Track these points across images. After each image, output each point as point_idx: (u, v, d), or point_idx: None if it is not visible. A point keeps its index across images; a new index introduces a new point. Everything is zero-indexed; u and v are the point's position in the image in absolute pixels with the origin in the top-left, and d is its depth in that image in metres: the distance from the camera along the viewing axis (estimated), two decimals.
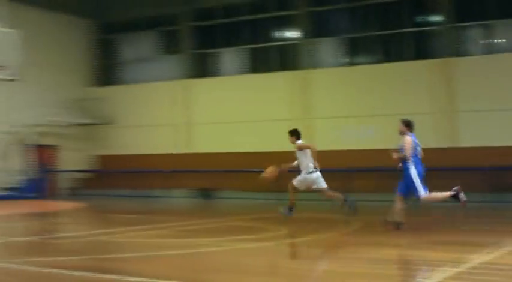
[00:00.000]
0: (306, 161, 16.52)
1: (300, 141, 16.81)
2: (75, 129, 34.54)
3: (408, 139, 13.99)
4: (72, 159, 33.96)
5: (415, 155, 13.93)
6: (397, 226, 13.88)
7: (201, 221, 18.23)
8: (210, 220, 18.85)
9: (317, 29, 31.19)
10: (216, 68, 33.81)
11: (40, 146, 32.39)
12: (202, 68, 33.99)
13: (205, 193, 29.22)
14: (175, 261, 10.57)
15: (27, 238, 14.64)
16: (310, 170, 16.51)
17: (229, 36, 33.34)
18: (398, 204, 13.98)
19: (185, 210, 22.98)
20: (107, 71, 36.93)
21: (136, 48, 36.19)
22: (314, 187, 16.70)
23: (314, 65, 30.88)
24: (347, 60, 30.74)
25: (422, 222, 16.89)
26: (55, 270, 9.28)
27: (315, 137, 28.90)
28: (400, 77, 28.85)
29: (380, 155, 27.46)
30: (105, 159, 35.16)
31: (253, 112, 31.41)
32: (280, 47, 32.05)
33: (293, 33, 32.21)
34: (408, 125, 14.21)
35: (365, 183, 26.30)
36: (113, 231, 15.12)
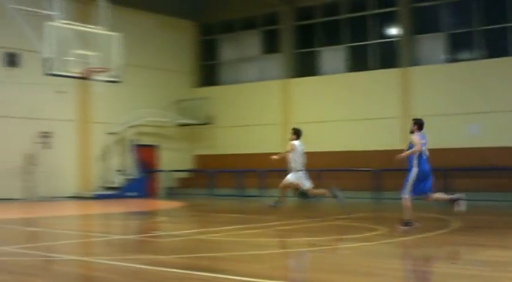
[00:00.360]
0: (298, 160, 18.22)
1: (296, 142, 18.36)
2: (175, 129, 35.06)
3: (415, 137, 14.07)
4: (172, 158, 34.50)
5: (421, 154, 14.04)
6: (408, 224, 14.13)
7: (299, 220, 18.15)
8: (309, 219, 18.74)
9: (418, 25, 30.68)
10: (315, 67, 33.66)
11: (141, 146, 33.00)
12: (302, 67, 33.94)
13: (303, 193, 29.07)
14: (276, 261, 10.53)
15: (128, 236, 14.89)
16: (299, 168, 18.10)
17: (329, 35, 33.17)
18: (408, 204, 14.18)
19: (283, 210, 22.85)
20: (207, 72, 37.41)
21: (237, 48, 36.54)
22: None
23: (415, 62, 30.36)
24: (449, 56, 30.01)
25: None
26: (155, 268, 9.39)
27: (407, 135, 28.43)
28: (504, 73, 28.04)
29: (484, 153, 27.16)
30: (204, 158, 35.57)
31: (352, 111, 31.18)
32: (381, 44, 31.64)
33: (393, 30, 31.78)
34: (418, 124, 14.46)
35: (467, 182, 25.68)
36: (213, 230, 15.20)
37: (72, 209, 23.80)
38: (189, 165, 35.87)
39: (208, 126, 35.29)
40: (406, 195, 14.15)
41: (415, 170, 14.01)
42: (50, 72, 21.36)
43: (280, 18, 34.45)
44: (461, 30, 29.71)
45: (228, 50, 37.01)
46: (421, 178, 14.10)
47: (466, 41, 29.79)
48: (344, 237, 13.41)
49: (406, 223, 14.14)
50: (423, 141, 14.18)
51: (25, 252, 11.31)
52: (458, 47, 30.05)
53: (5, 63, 28.82)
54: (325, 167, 28.99)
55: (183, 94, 35.79)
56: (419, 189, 14.21)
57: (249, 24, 35.85)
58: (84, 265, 10.16)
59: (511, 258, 10.64)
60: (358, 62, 32.12)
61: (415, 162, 14.03)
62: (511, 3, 28.44)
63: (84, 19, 26.34)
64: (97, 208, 24.28)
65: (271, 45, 35.17)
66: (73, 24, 22.48)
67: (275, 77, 34.43)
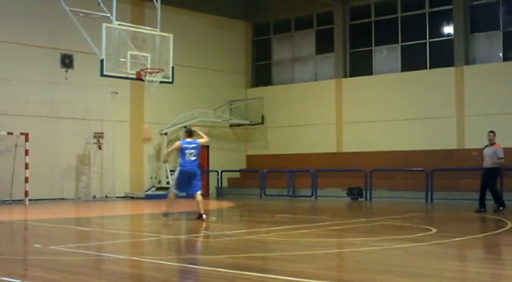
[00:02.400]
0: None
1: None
2: (227, 130, 35.20)
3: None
4: (224, 159, 34.62)
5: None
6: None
7: (351, 220, 18.06)
8: (360, 219, 18.65)
9: (474, 23, 30.25)
10: (369, 66, 33.41)
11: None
12: (356, 67, 33.75)
13: (354, 192, 28.95)
14: (328, 261, 10.47)
15: (179, 236, 14.93)
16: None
17: (383, 34, 32.91)
18: None
19: (334, 210, 22.80)
20: (260, 72, 37.49)
21: (290, 48, 36.51)
22: None
23: (470, 61, 29.95)
24: (505, 55, 29.52)
25: None
26: (205, 268, 9.44)
27: (465, 135, 28.22)
28: None
29: None
30: (255, 159, 35.63)
31: (406, 110, 30.88)
32: (435, 43, 31.24)
33: (449, 29, 31.33)
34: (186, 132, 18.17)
35: None
36: (264, 230, 15.21)
37: (123, 209, 24.03)
38: (240, 165, 35.97)
39: (261, 127, 35.33)
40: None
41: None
42: (105, 73, 21.60)
43: (334, 17, 34.30)
44: None
45: (281, 50, 37.01)
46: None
47: None
48: (395, 237, 13.27)
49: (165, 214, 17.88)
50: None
51: (77, 251, 11.45)
52: None
53: (60, 65, 29.24)
54: (377, 167, 28.78)
55: (235, 94, 35.93)
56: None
57: (302, 24, 35.80)
58: (134, 264, 10.23)
59: None
60: (412, 61, 31.78)
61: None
62: None
63: (138, 21, 26.70)
64: (148, 208, 24.46)
65: (324, 45, 35.04)
66: (127, 26, 22.71)
67: (328, 77, 34.33)
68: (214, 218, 19.35)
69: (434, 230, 14.44)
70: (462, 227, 15.93)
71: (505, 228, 14.88)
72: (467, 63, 29.84)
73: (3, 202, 26.37)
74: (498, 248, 12.29)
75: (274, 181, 32.08)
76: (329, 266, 9.86)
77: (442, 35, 31.38)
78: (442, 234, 13.73)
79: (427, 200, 26.31)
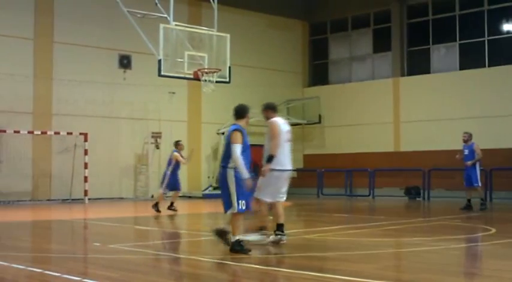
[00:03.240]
0: None
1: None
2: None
3: None
4: None
5: None
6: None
7: (408, 220, 17.90)
8: (418, 219, 18.48)
9: None
10: (427, 65, 33.07)
11: (251, 145, 33.12)
12: (414, 66, 33.46)
13: (412, 192, 28.70)
14: (385, 261, 10.43)
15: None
16: None
17: (441, 32, 32.54)
18: None
19: (392, 209, 22.64)
20: (317, 71, 37.45)
21: (347, 47, 36.38)
22: None
23: None
24: None
25: None
26: (263, 267, 9.52)
27: None
28: None
29: None
30: (312, 158, 35.55)
31: (463, 109, 30.49)
32: (495, 41, 30.77)
33: (507, 27, 30.86)
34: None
35: None
36: (321, 229, 15.20)
37: (181, 209, 24.16)
38: (298, 164, 35.90)
39: (318, 126, 35.23)
40: None
41: None
42: (162, 73, 21.79)
43: (391, 16, 34.05)
44: None
45: (338, 49, 36.89)
46: None
47: None
48: (454, 237, 13.13)
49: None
50: None
51: (135, 250, 11.58)
52: None
53: (119, 65, 29.64)
54: (435, 166, 28.47)
55: (292, 94, 35.89)
56: None
57: (359, 23, 35.65)
58: (191, 263, 10.31)
59: None
60: (471, 60, 31.36)
61: None
62: None
63: (195, 21, 26.86)
64: (206, 207, 24.61)
65: (382, 44, 34.81)
66: (184, 26, 22.87)
67: (386, 76, 34.09)
68: (271, 218, 19.36)
69: (493, 230, 14.24)
70: None
71: None
72: None
73: (64, 201, 26.86)
74: None
75: (331, 180, 31.95)
76: (388, 266, 9.84)
77: (502, 33, 30.91)
78: (502, 235, 13.53)
79: (486, 200, 25.90)
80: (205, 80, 23.02)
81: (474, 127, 29.66)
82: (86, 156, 26.95)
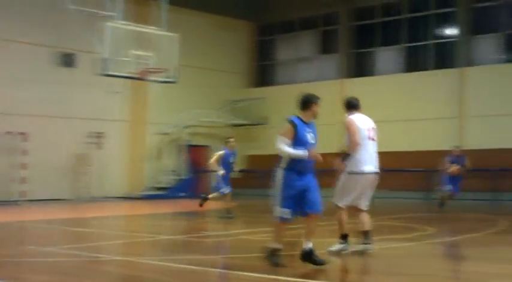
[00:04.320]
0: None
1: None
2: (228, 130, 35.05)
3: None
4: None
5: None
6: None
7: (352, 220, 17.85)
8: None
9: (475, 25, 30.23)
10: (372, 68, 33.40)
11: (193, 146, 33.09)
12: (359, 68, 33.77)
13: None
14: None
15: (176, 236, 14.90)
16: None
17: (387, 35, 32.88)
18: None
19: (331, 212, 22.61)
20: (263, 72, 37.48)
21: (294, 48, 36.45)
22: None
23: (471, 63, 29.93)
24: (506, 57, 29.54)
25: None
26: (201, 268, 9.41)
27: (467, 136, 28.22)
28: None
29: None
30: (257, 159, 35.50)
31: (408, 111, 30.78)
32: (437, 45, 31.25)
33: (451, 31, 31.35)
34: None
35: None
36: (262, 230, 15.07)
37: (120, 210, 23.96)
38: (241, 165, 35.83)
39: (262, 127, 35.21)
40: None
41: None
42: (106, 72, 21.57)
43: (338, 18, 34.26)
44: None
45: (285, 51, 36.98)
46: None
47: None
48: (393, 237, 13.24)
49: None
50: None
51: (71, 252, 11.42)
52: None
53: (60, 64, 29.15)
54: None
55: (237, 94, 35.85)
56: None
57: (306, 25, 35.78)
58: (128, 265, 10.22)
59: None
60: (415, 63, 31.76)
61: None
62: None
63: (142, 20, 26.60)
64: (145, 208, 24.40)
65: (328, 46, 35.04)
66: (131, 25, 22.68)
67: (331, 78, 34.26)
68: (212, 219, 19.34)
69: (431, 230, 14.34)
70: (457, 226, 15.80)
71: (502, 228, 14.80)
72: (468, 65, 29.87)
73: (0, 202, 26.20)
74: (490, 247, 12.26)
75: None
76: (329, 267, 9.67)
77: (445, 37, 31.45)
78: (439, 234, 13.71)
79: (425, 201, 26.16)
80: (150, 80, 22.89)
81: (415, 129, 30.11)
82: (25, 156, 26.39)
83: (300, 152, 9.24)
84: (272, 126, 35.00)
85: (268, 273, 8.73)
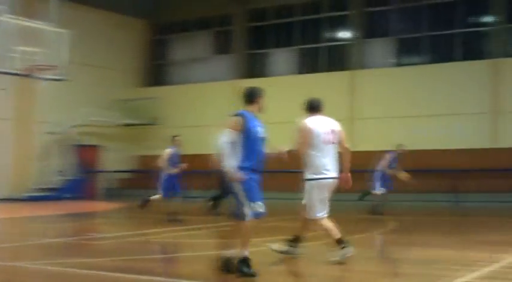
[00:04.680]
0: None
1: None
2: (119, 130, 34.46)
3: None
4: (115, 159, 33.87)
5: None
6: None
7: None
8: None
9: (368, 29, 30.88)
10: (266, 69, 33.55)
11: (83, 146, 32.34)
12: (253, 69, 33.89)
13: None
14: (210, 262, 10.19)
15: (62, 239, 14.44)
16: None
17: (281, 37, 33.19)
18: None
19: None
20: (157, 71, 37.09)
21: (188, 48, 36.24)
22: None
23: (364, 66, 30.53)
24: (396, 60, 30.33)
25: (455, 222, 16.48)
26: (85, 271, 9.08)
27: (358, 138, 28.63)
28: (448, 77, 28.46)
29: (431, 156, 27.28)
30: (148, 159, 34.93)
31: (301, 112, 30.88)
32: (331, 47, 31.73)
33: (344, 34, 31.88)
34: None
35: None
36: (150, 231, 14.86)
37: (1, 212, 22.98)
38: (132, 165, 35.34)
39: (155, 127, 34.75)
40: None
41: None
42: None
43: (233, 19, 34.25)
44: (409, 35, 30.09)
45: (179, 50, 36.71)
46: None
47: (412, 46, 30.35)
48: (280, 237, 13.12)
49: None
50: None
51: None
52: (406, 51, 30.38)
53: None
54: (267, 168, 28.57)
55: (130, 94, 35.27)
56: None
57: (201, 25, 35.65)
58: (6, 270, 9.67)
59: (431, 256, 10.57)
60: (309, 64, 32.09)
61: None
62: (457, 11, 29.03)
63: (33, 15, 25.69)
64: (29, 210, 23.45)
65: (223, 46, 35.03)
66: (18, 20, 21.92)
67: (226, 78, 34.20)
68: (100, 220, 18.87)
69: (318, 231, 14.31)
70: (345, 227, 15.85)
71: (390, 228, 14.95)
72: (360, 67, 30.53)
73: None
74: (376, 247, 12.32)
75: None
76: (202, 266, 9.57)
77: (338, 40, 31.99)
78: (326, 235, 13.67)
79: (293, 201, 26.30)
80: (39, 77, 22.21)
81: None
82: None
83: (230, 165, 8.41)
84: (167, 127, 34.61)
85: (153, 275, 8.55)
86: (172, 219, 17.04)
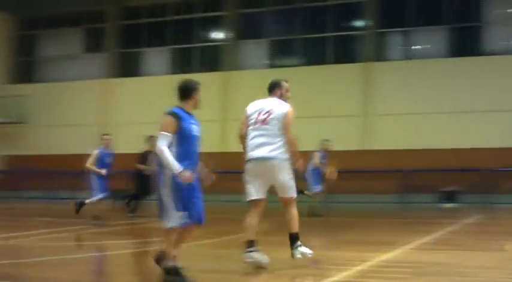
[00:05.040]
0: None
1: None
2: None
3: None
4: None
5: None
6: None
7: (113, 222, 17.37)
8: (125, 222, 18.05)
9: (243, 30, 31.00)
10: (139, 68, 33.16)
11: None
12: (126, 68, 33.38)
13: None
14: (82, 266, 9.97)
15: None
16: None
17: (155, 36, 32.90)
18: None
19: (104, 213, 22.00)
20: (25, 68, 35.83)
21: (58, 45, 35.24)
22: None
23: (238, 67, 30.67)
24: (270, 62, 30.64)
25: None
26: None
27: (232, 139, 28.66)
28: (322, 80, 28.81)
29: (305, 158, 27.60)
30: (14, 159, 33.81)
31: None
32: (205, 48, 31.70)
33: (219, 34, 31.87)
34: None
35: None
36: (19, 234, 14.27)
37: None
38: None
39: (23, 126, 33.62)
40: None
41: None
42: None
43: (105, 16, 33.63)
44: (283, 37, 30.43)
45: (48, 47, 35.70)
46: None
47: (287, 48, 30.59)
48: (154, 239, 12.94)
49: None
50: None
51: None
52: (280, 53, 30.73)
53: None
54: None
55: None
56: None
57: (71, 21, 34.78)
58: None
59: (314, 257, 10.60)
60: (182, 65, 31.89)
61: None
62: (330, 14, 29.71)
63: None
64: None
65: (94, 44, 34.42)
66: None
67: (97, 77, 33.51)
68: None
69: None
70: (216, 228, 15.80)
71: (264, 229, 14.96)
72: (235, 68, 30.64)
73: None
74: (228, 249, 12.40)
75: (34, 183, 30.46)
76: (82, 271, 9.41)
77: (212, 40, 32.03)
78: (194, 236, 13.56)
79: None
80: None
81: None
82: None
83: (176, 167, 7.66)
84: (35, 126, 33.59)
85: (24, 280, 8.28)
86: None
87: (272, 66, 30.44)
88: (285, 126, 9.40)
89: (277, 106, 9.70)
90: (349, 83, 28.72)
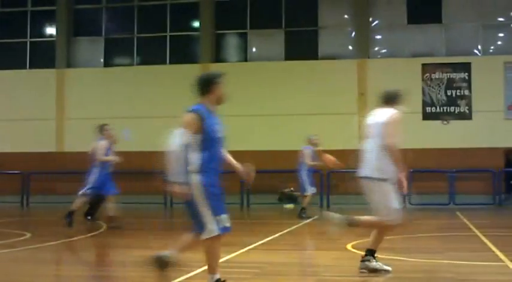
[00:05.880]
0: None
1: None
2: None
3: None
4: None
5: None
6: None
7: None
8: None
9: (77, 27, 30.43)
10: None
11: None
12: None
13: None
14: None
15: None
16: None
17: None
18: None
19: None
20: None
21: None
22: None
23: (72, 64, 29.96)
24: (104, 60, 30.13)
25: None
26: None
27: (66, 138, 28.02)
28: (154, 80, 28.80)
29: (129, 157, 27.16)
30: None
31: (9, 111, 29.34)
32: (38, 43, 30.56)
33: (51, 30, 30.86)
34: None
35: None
36: None
37: None
38: None
39: None
40: None
41: None
42: None
43: None
44: (118, 36, 30.31)
45: None
46: None
47: (120, 47, 30.45)
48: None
49: None
50: None
51: None
52: (113, 52, 30.48)
53: None
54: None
55: None
56: None
57: None
58: None
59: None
60: (11, 60, 30.53)
61: None
62: (168, 14, 29.57)
63: None
64: None
65: None
66: None
67: None
68: None
69: (28, 235, 13.62)
70: (59, 230, 15.19)
71: (100, 231, 14.61)
72: (68, 66, 29.75)
73: None
74: (94, 249, 12.58)
75: None
76: None
77: (45, 36, 30.92)
78: (37, 239, 13.03)
79: (22, 204, 25.03)
80: None
81: (13, 130, 28.97)
82: None
83: (176, 177, 6.97)
84: None
85: None
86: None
87: (108, 64, 29.85)
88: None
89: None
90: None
